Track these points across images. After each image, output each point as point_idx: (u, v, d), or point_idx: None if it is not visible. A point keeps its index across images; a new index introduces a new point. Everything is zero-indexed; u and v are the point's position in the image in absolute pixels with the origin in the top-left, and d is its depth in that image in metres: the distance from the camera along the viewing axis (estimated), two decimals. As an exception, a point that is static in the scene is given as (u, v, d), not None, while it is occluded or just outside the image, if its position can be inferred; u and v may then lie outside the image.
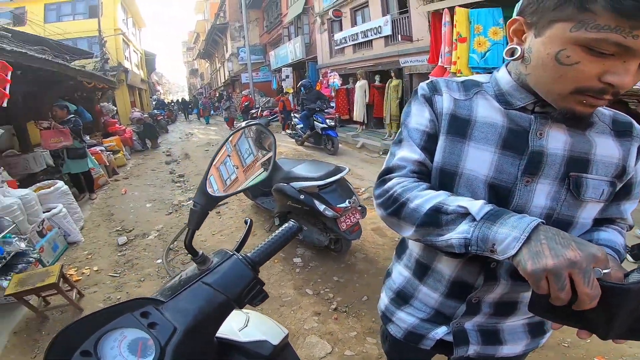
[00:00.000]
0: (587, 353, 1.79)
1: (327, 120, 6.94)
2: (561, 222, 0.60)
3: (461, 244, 0.52)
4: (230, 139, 0.69)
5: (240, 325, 0.71)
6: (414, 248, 0.80)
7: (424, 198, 0.59)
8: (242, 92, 14.39)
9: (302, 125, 7.63)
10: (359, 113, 8.95)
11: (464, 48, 5.27)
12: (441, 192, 0.61)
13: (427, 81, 0.72)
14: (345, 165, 2.97)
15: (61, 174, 4.84)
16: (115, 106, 10.61)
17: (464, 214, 0.53)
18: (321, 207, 2.63)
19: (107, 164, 6.37)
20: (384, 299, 0.90)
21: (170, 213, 4.36)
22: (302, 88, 7.92)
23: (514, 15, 0.58)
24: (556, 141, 0.59)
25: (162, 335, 0.47)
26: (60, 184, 3.92)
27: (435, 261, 0.74)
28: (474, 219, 0.51)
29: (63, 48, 6.56)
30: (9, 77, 3.16)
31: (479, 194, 0.61)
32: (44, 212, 3.37)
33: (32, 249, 2.84)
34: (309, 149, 7.56)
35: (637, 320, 0.48)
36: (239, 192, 0.67)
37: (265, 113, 10.47)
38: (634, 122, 0.64)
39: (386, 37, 8.66)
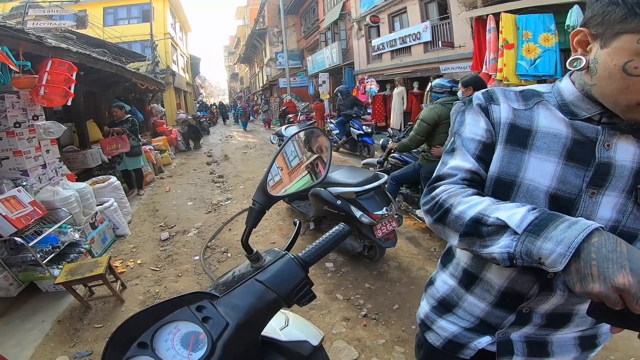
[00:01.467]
0: (624, 354, 1.70)
1: (364, 127, 6.89)
2: (626, 235, 0.58)
3: (504, 258, 0.50)
4: (290, 140, 0.70)
5: (282, 325, 0.73)
6: (462, 257, 0.79)
7: (467, 205, 0.58)
8: (285, 98, 14.66)
9: (338, 131, 7.62)
10: (396, 120, 8.82)
11: (511, 55, 5.05)
12: (486, 198, 0.59)
13: (483, 90, 0.71)
14: (384, 174, 2.94)
15: (114, 170, 5.25)
16: (163, 107, 11.08)
17: (504, 227, 0.52)
18: (358, 213, 2.62)
19: (155, 163, 6.76)
20: (425, 307, 0.89)
21: (209, 212, 4.56)
22: (338, 94, 7.93)
23: (571, 23, 0.58)
24: (625, 152, 0.57)
25: (215, 330, 0.48)
26: (113, 179, 4.20)
27: (485, 270, 0.73)
28: (515, 232, 0.50)
29: (120, 51, 7.04)
30: (74, 77, 3.46)
31: (538, 204, 0.60)
32: (97, 205, 3.61)
33: (84, 239, 3.06)
34: (344, 155, 7.57)
35: None
36: (296, 194, 0.70)
37: (301, 118, 10.63)
38: None
39: (425, 43, 8.50)
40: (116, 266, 3.03)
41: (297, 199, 3.70)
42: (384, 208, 2.63)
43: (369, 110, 9.19)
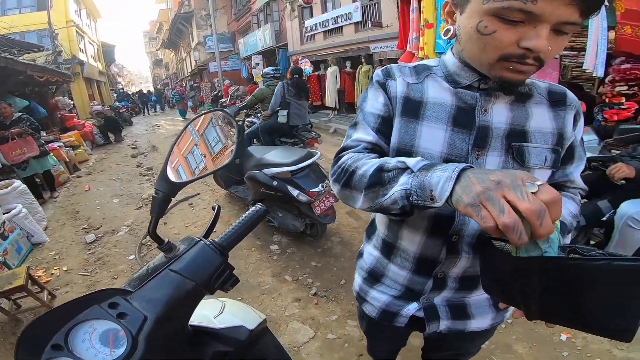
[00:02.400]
0: (554, 328, 1.91)
1: None
2: None
3: (402, 195, 0.52)
4: (191, 124, 0.68)
5: (216, 313, 0.71)
6: (380, 227, 0.83)
7: (370, 164, 0.61)
8: (225, 82, 13.94)
9: None
10: (330, 99, 8.97)
11: (430, 34, 5.36)
12: (386, 157, 0.63)
13: (382, 68, 0.76)
14: (317, 151, 2.98)
15: (15, 174, 4.50)
16: (72, 100, 10.10)
17: (404, 169, 0.55)
18: (295, 192, 2.63)
19: (68, 160, 6.04)
20: (358, 280, 0.93)
21: (140, 207, 4.20)
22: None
23: None
24: (499, 116, 0.64)
25: (133, 325, 0.46)
26: (17, 183, 3.70)
27: (399, 239, 0.77)
28: (412, 171, 0.53)
29: (9, 42, 6.05)
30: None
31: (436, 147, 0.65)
32: (3, 214, 3.16)
33: None
34: None
35: (566, 302, 0.49)
36: (202, 177, 0.66)
37: (236, 102, 10.23)
38: (568, 91, 0.69)
39: (356, 23, 8.65)
40: (39, 276, 2.76)
41: (234, 183, 3.58)
42: (320, 185, 2.66)
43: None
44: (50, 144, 5.59)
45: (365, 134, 0.71)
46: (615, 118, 3.41)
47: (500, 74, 0.57)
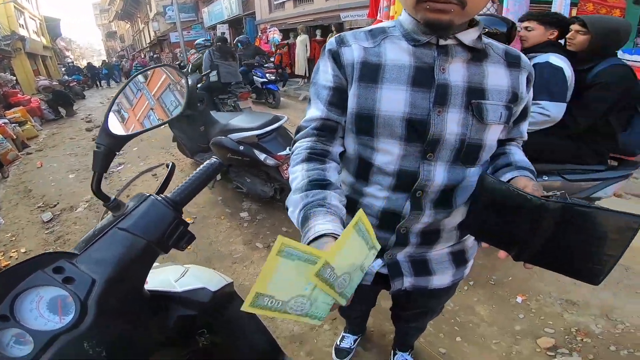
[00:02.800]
0: (510, 290, 2.04)
1: (267, 75, 6.82)
2: (473, 146, 0.68)
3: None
4: (138, 78, 0.66)
5: (177, 277, 0.68)
6: (344, 187, 0.83)
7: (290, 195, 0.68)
8: (189, 52, 13.19)
9: None
10: (300, 67, 8.81)
11: (400, 3, 5.28)
12: (298, 178, 0.68)
13: (336, 35, 0.75)
14: (284, 115, 2.91)
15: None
16: (15, 76, 9.38)
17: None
18: (262, 156, 2.58)
19: (15, 137, 5.60)
20: None
21: (99, 181, 3.97)
22: (239, 44, 7.54)
23: None
24: (456, 74, 0.65)
25: (81, 290, 0.43)
26: None
27: (364, 196, 0.78)
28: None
29: None
30: None
31: (397, 130, 0.66)
32: None
33: None
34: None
35: (550, 245, 0.56)
36: (149, 130, 0.63)
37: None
38: (522, 55, 0.72)
39: (326, -10, 8.33)
40: (-3, 259, 2.55)
41: (200, 151, 3.46)
42: (288, 148, 2.62)
43: (272, 59, 8.96)
44: None
45: (315, 110, 0.73)
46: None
47: (423, 16, 0.59)
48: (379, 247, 0.34)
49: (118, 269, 0.46)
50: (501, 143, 0.75)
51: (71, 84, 10.11)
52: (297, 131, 0.76)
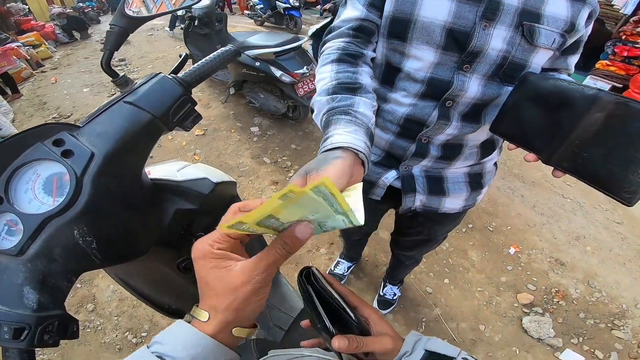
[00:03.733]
0: (506, 239, 2.04)
1: (291, 0, 6.47)
2: (516, 65, 0.64)
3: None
4: None
5: (179, 167, 0.65)
6: None
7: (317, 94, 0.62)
8: None
9: (262, 5, 7.20)
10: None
11: None
12: (327, 77, 0.62)
13: None
14: (304, 36, 2.80)
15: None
16: (26, 4, 9.16)
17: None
18: (277, 73, 2.55)
19: (28, 58, 5.61)
20: None
21: (113, 94, 3.97)
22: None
23: None
24: None
25: (78, 165, 0.40)
26: None
27: (388, 102, 0.74)
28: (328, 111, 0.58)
29: None
30: None
31: (435, 39, 0.62)
32: None
33: None
34: (269, 29, 7.08)
35: (589, 146, 0.50)
36: (164, 14, 0.63)
37: None
38: None
39: None
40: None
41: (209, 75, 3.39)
42: (305, 67, 2.59)
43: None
44: (6, 45, 5.13)
45: (353, 10, 0.68)
46: (625, 54, 3.44)
47: None
48: (357, 221, 0.27)
49: (119, 142, 0.42)
50: (544, 71, 0.71)
51: (86, 10, 9.86)
52: (329, 32, 0.71)
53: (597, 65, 3.73)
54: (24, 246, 0.37)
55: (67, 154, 0.40)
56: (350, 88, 0.58)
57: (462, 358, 0.38)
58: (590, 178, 0.51)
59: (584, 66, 3.76)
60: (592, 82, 3.69)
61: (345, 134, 0.48)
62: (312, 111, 0.66)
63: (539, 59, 0.65)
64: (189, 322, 0.33)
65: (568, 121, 0.53)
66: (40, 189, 0.39)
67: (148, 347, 0.30)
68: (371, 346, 0.39)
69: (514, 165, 2.68)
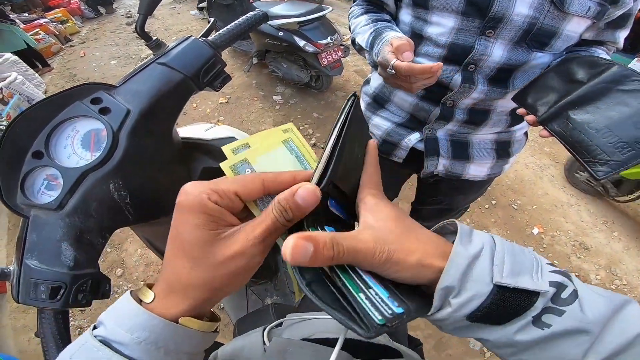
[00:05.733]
0: (530, 219, 1.97)
1: None
2: (545, 31, 0.61)
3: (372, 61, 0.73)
4: None
5: (207, 128, 0.67)
6: None
7: (362, 31, 0.73)
8: None
9: None
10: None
11: None
12: (362, 20, 0.75)
13: None
14: (328, 6, 2.75)
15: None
16: None
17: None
18: (301, 42, 2.53)
19: (57, 33, 5.79)
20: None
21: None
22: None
23: None
24: None
25: (115, 121, 0.41)
26: (7, 55, 3.66)
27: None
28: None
29: None
30: None
31: (454, 5, 0.62)
32: None
33: None
34: None
35: (582, 110, 0.52)
36: None
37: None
38: None
39: None
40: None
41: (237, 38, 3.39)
42: (329, 37, 2.55)
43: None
44: (36, 22, 5.41)
45: None
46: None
47: None
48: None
49: (153, 100, 0.44)
50: (587, 43, 0.68)
51: (110, -16, 10.02)
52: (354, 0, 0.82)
53: (644, 48, 3.47)
54: (63, 200, 0.38)
55: (104, 111, 0.42)
56: (385, 21, 0.71)
57: (550, 283, 0.24)
58: (570, 142, 0.53)
59: (631, 48, 3.51)
60: (638, 64, 3.44)
61: (398, 33, 0.64)
62: (353, 44, 0.75)
63: (573, 27, 0.62)
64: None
65: (572, 87, 0.55)
66: (79, 144, 0.41)
67: (94, 329, 0.25)
68: (349, 246, 0.23)
69: (545, 143, 2.58)
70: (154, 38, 0.60)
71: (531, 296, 0.23)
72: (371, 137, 0.34)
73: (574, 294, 0.23)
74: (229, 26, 0.56)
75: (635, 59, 3.53)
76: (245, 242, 0.24)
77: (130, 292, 0.26)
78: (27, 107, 0.39)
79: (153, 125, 0.45)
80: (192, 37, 0.51)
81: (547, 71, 0.63)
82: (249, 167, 0.28)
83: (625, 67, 0.51)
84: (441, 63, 0.55)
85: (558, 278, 0.24)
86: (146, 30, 0.60)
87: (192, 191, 0.24)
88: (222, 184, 0.25)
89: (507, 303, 0.23)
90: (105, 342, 0.24)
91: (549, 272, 0.24)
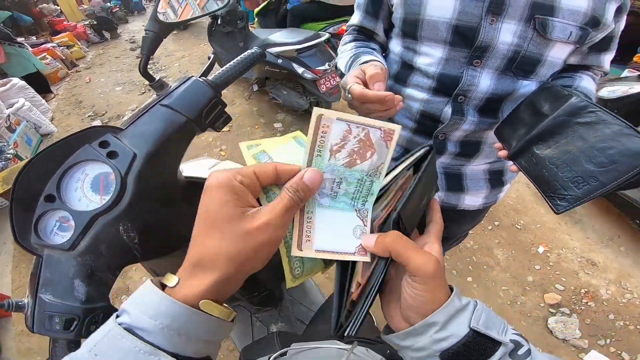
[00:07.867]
0: (534, 238, 1.97)
1: None
2: (529, 59, 0.63)
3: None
4: None
5: (211, 166, 0.70)
6: None
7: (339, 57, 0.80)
8: None
9: None
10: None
11: None
12: (348, 46, 0.78)
13: None
14: (325, 33, 2.83)
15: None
16: (58, 5, 9.60)
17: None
18: (300, 69, 2.58)
19: (64, 58, 5.92)
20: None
21: (143, 93, 4.19)
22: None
23: None
24: None
25: (122, 165, 0.43)
26: (15, 80, 3.71)
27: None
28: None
29: None
30: None
31: (442, 35, 0.65)
32: (7, 109, 3.24)
33: (5, 144, 2.78)
34: None
35: (545, 146, 0.54)
36: (195, 19, 0.67)
37: None
38: None
39: None
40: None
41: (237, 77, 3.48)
42: (327, 63, 2.61)
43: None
44: (43, 46, 5.53)
45: (355, 18, 0.81)
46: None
47: None
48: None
49: (158, 143, 0.45)
50: (573, 68, 0.70)
51: (114, 10, 10.23)
52: (346, 29, 0.87)
53: (634, 59, 3.50)
54: (75, 241, 0.40)
55: (112, 155, 0.43)
56: (369, 47, 0.76)
57: (511, 340, 0.29)
58: (533, 177, 0.55)
59: (622, 59, 3.54)
60: (629, 74, 3.47)
61: (374, 57, 0.69)
62: (336, 68, 0.82)
63: (557, 53, 0.64)
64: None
65: (537, 121, 0.57)
66: (89, 187, 0.42)
67: (117, 318, 0.26)
68: (410, 255, 0.30)
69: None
70: (157, 78, 0.61)
71: (495, 345, 0.28)
72: (438, 189, 0.39)
73: (528, 352, 0.29)
74: (228, 65, 0.57)
75: (627, 69, 3.56)
76: (270, 215, 0.27)
77: (151, 279, 0.27)
78: (36, 154, 0.41)
79: (158, 168, 0.46)
80: (193, 78, 0.53)
81: (520, 104, 0.65)
82: (267, 156, 0.33)
83: (583, 97, 0.53)
84: (392, 93, 0.55)
85: (517, 338, 0.30)
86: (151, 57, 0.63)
87: (219, 174, 0.28)
88: (243, 168, 0.29)
89: (475, 347, 0.28)
90: (129, 330, 0.24)
91: (512, 333, 0.30)
